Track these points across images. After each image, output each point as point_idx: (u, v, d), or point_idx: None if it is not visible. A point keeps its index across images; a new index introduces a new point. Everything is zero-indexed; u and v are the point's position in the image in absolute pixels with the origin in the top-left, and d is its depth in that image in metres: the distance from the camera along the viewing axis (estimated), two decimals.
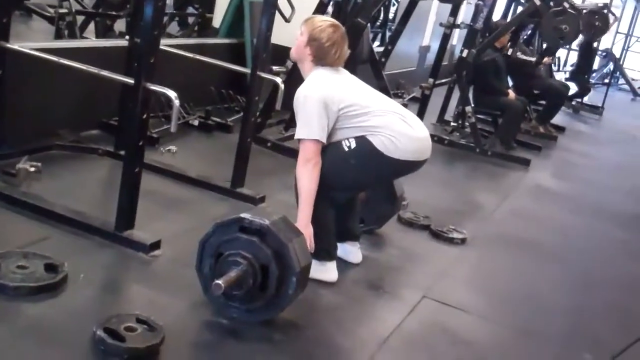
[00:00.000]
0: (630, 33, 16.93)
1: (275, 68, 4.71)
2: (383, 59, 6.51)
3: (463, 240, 3.94)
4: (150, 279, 2.84)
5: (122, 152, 3.39)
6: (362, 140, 2.92)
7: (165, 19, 6.12)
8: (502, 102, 6.68)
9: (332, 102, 2.89)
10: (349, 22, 4.84)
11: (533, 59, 7.57)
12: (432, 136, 3.35)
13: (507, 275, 3.78)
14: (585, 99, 10.97)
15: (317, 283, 2.96)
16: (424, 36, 9.83)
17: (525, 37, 8.51)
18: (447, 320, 3.01)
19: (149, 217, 3.22)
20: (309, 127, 2.87)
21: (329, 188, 2.91)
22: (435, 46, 7.63)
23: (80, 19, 6.03)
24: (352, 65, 4.58)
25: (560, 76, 10.59)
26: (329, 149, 2.93)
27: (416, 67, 9.58)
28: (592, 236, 4.80)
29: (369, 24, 5.66)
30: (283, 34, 4.57)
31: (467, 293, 3.37)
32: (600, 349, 2.97)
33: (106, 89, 3.96)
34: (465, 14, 7.93)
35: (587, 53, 10.56)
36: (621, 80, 15.40)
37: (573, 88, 10.04)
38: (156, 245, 3.01)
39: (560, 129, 8.51)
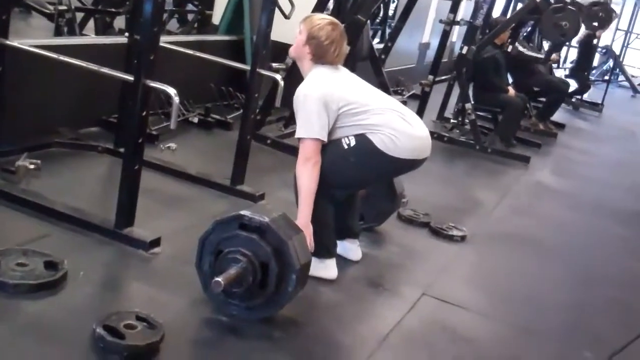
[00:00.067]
0: (630, 30, 16.91)
1: (275, 65, 4.70)
2: (383, 56, 6.51)
3: (463, 238, 3.94)
4: (150, 276, 2.84)
5: (122, 150, 3.38)
6: (361, 138, 2.92)
7: (165, 15, 6.10)
8: (502, 99, 6.67)
9: (332, 100, 2.88)
10: (348, 18, 4.83)
11: (542, 56, 7.57)
12: (432, 133, 3.35)
13: (507, 273, 3.78)
14: (585, 96, 10.96)
15: (317, 280, 2.96)
16: (423, 33, 9.83)
17: (525, 33, 8.50)
18: (447, 317, 3.01)
19: (148, 215, 3.22)
20: (309, 126, 2.87)
21: (328, 186, 2.91)
22: (435, 43, 7.63)
23: (79, 15, 6.03)
24: (351, 62, 4.59)
25: (560, 73, 10.56)
26: (329, 147, 2.92)
27: (416, 64, 9.58)
28: (592, 233, 4.80)
29: (368, 21, 5.65)
30: (283, 30, 4.56)
31: (466, 290, 3.37)
32: (601, 346, 2.97)
33: (106, 86, 3.95)
34: (465, 10, 7.91)
35: (586, 50, 10.54)
36: (621, 77, 15.38)
37: (573, 85, 10.02)
38: (156, 242, 3.01)
39: (560, 126, 8.50)
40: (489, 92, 6.69)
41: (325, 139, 2.89)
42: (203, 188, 3.90)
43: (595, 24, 8.20)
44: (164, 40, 3.80)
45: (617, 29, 16.62)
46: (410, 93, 8.15)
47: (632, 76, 15.67)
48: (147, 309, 2.41)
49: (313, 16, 3.09)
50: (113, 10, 6.32)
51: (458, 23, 6.98)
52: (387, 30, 8.71)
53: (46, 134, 4.01)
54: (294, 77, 3.61)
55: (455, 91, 6.83)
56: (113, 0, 6.38)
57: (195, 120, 5.14)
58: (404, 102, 6.68)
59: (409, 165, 3.04)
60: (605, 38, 13.52)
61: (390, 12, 9.70)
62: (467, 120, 6.56)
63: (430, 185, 4.82)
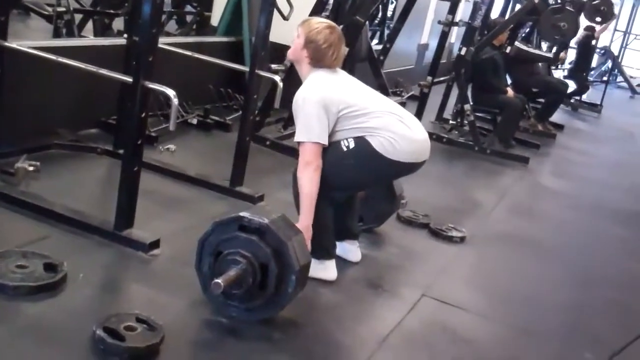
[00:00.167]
0: (628, 31, 16.92)
1: (273, 66, 4.70)
2: (381, 57, 6.52)
3: (462, 239, 3.94)
4: (150, 278, 2.84)
5: (121, 151, 3.38)
6: (360, 141, 2.92)
7: (164, 17, 6.10)
8: (501, 100, 6.68)
9: (331, 103, 2.88)
10: (347, 19, 4.84)
11: (550, 55, 7.56)
12: (430, 134, 3.34)
13: (506, 274, 3.78)
14: (584, 97, 10.97)
15: (317, 282, 2.96)
16: (422, 34, 9.83)
17: (523, 34, 8.51)
18: (446, 318, 3.01)
19: (148, 216, 3.22)
20: (309, 130, 2.86)
21: (327, 187, 2.90)
22: (433, 44, 7.64)
23: (78, 17, 6.02)
24: (350, 64, 4.60)
25: (558, 74, 10.58)
26: (328, 149, 2.91)
27: (415, 65, 9.58)
28: (591, 234, 4.80)
29: (367, 22, 5.66)
30: (281, 32, 4.56)
31: (466, 291, 3.37)
32: (600, 347, 2.97)
33: (105, 87, 3.95)
34: (463, 11, 7.93)
35: (585, 51, 10.56)
36: (619, 78, 15.40)
37: (571, 86, 10.04)
38: (155, 244, 3.01)
39: (559, 126, 8.51)
40: (488, 93, 6.69)
41: (326, 143, 2.88)
42: (202, 189, 3.90)
43: (599, 18, 8.13)
44: (163, 42, 3.80)
45: (615, 29, 16.64)
46: (409, 94, 8.15)
47: (631, 77, 15.70)
48: (147, 311, 2.41)
49: (311, 19, 3.09)
50: (112, 11, 6.32)
51: (457, 24, 6.99)
52: (386, 32, 8.72)
53: (45, 135, 4.01)
54: (293, 78, 3.61)
55: (454, 92, 6.83)
56: (112, 1, 6.38)
57: (194, 121, 5.14)
58: (403, 104, 6.70)
59: (408, 168, 3.05)
60: (603, 39, 13.56)
61: (389, 13, 9.71)
62: (466, 122, 6.56)
63: (429, 186, 4.82)
